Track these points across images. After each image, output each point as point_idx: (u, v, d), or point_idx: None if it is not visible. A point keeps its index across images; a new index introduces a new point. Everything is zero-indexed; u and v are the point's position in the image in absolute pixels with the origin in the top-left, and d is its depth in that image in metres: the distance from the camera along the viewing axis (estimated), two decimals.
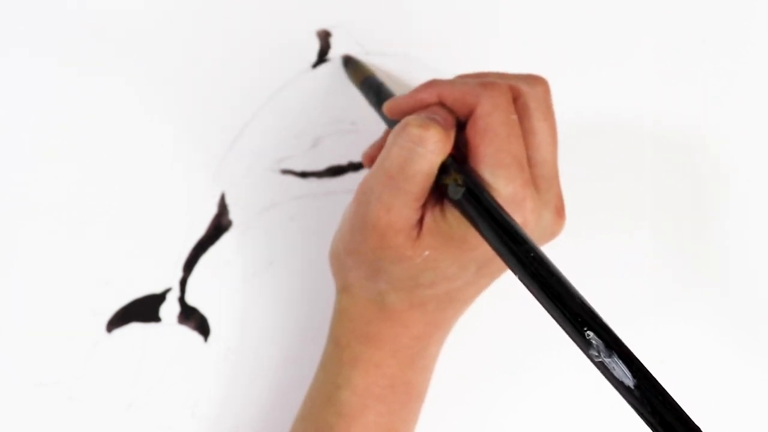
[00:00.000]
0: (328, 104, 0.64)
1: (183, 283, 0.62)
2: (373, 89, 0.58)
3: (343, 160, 0.64)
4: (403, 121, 0.50)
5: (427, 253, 0.51)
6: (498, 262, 0.52)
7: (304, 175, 0.63)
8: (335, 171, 0.64)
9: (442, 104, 0.52)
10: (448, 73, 0.65)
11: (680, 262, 0.65)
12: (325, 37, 0.64)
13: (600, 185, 0.65)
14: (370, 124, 0.64)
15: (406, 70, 0.65)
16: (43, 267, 0.60)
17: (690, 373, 0.64)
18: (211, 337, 0.62)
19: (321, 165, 0.64)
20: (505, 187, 0.50)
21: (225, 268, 0.63)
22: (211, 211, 0.62)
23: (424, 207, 0.51)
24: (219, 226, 0.62)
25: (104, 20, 0.62)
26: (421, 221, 0.51)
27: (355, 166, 0.64)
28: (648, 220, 0.65)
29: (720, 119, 0.66)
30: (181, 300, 0.62)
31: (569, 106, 0.64)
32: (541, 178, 0.52)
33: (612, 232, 0.65)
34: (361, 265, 0.53)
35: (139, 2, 0.63)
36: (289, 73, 0.64)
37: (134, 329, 0.61)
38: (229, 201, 0.62)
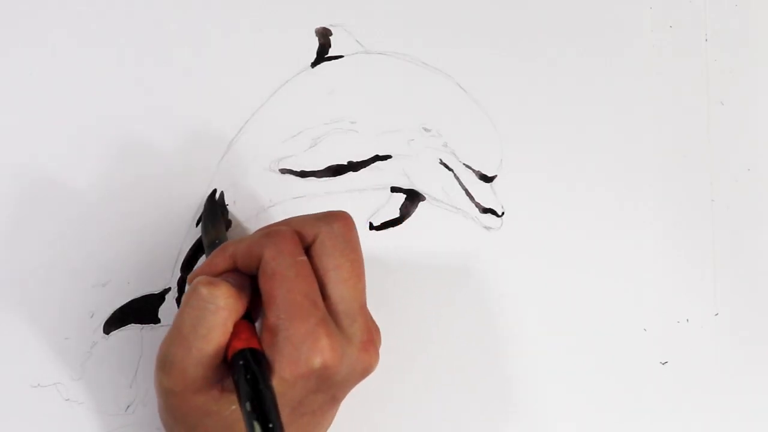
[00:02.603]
0: (327, 103, 0.64)
1: (181, 284, 0.61)
2: None
3: (342, 160, 0.64)
4: (194, 282, 0.52)
5: (234, 407, 0.51)
6: (315, 398, 0.52)
7: (303, 174, 0.63)
8: (334, 170, 0.63)
9: (235, 268, 0.54)
10: (447, 72, 0.65)
11: None
12: (324, 35, 0.64)
13: None
14: (369, 124, 0.64)
15: (407, 70, 0.65)
16: (41, 267, 0.60)
17: None
18: None
19: (320, 164, 0.63)
20: (300, 327, 0.50)
21: None
22: None
23: (225, 363, 0.51)
24: None
25: (104, 19, 0.62)
26: (224, 377, 0.51)
27: (354, 166, 0.64)
28: None
29: None
30: (180, 300, 0.61)
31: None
32: (343, 314, 0.53)
33: None
34: (178, 423, 0.53)
35: (140, 1, 0.63)
36: (288, 72, 0.63)
37: (132, 330, 0.61)
38: (228, 200, 0.62)
